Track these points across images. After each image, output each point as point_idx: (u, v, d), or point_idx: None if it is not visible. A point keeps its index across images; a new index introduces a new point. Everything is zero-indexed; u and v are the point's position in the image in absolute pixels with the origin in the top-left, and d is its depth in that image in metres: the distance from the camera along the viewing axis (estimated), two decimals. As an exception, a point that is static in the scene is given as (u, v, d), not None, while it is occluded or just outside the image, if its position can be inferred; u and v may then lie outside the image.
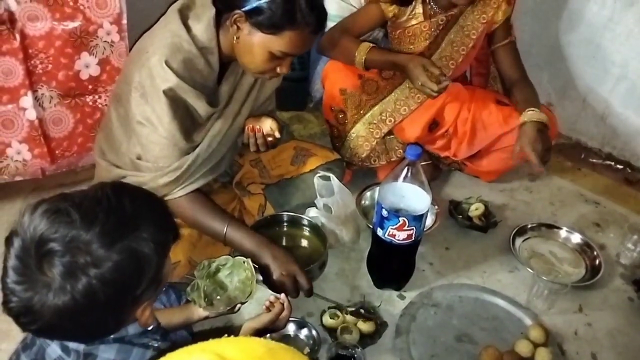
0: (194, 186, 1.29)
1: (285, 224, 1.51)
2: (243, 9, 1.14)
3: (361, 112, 1.71)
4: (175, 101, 1.20)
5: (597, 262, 1.56)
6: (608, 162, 2.09)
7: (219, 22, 1.21)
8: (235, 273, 1.15)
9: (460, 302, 1.42)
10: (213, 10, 1.20)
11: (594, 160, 2.10)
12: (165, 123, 1.20)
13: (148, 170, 1.26)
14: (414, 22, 1.70)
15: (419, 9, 1.69)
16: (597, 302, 1.47)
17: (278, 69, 1.24)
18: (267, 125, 1.36)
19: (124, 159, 1.31)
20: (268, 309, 1.12)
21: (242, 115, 1.36)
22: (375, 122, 1.71)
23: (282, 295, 1.14)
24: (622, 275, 1.56)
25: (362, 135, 1.72)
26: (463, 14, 1.68)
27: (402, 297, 1.43)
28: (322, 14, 1.20)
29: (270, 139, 1.36)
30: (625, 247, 1.60)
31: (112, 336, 0.80)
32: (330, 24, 1.96)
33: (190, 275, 1.20)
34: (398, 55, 1.65)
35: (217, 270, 1.16)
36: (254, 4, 1.13)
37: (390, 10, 1.69)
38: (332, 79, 1.74)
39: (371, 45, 1.65)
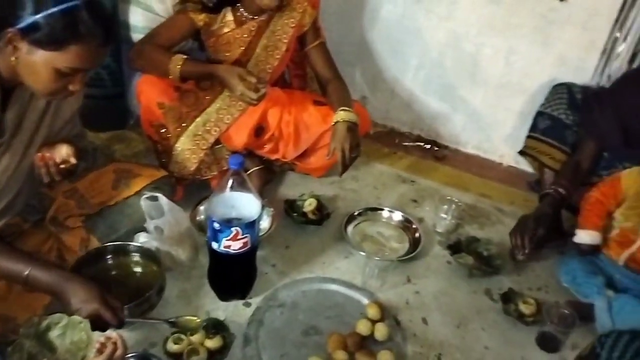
0: None
1: (111, 255, 1.41)
2: (17, 27, 1.02)
3: (183, 124, 1.67)
4: None
5: (417, 234, 1.74)
6: (418, 143, 2.34)
7: None
8: (69, 334, 1.04)
9: (304, 296, 1.48)
10: None
11: (406, 143, 2.34)
12: None
13: None
14: (226, 29, 1.71)
15: (230, 16, 1.70)
16: (421, 271, 1.64)
17: (70, 87, 1.12)
18: (61, 152, 1.24)
19: None
20: (100, 352, 1.04)
21: (34, 145, 1.23)
22: (200, 133, 1.69)
23: (114, 334, 1.07)
24: (440, 242, 1.76)
25: (188, 147, 1.68)
26: (273, 19, 1.74)
27: (247, 305, 1.44)
28: (109, 23, 1.12)
29: (62, 166, 1.24)
30: (439, 217, 1.80)
31: None
32: (137, 35, 1.89)
33: (5, 333, 1.07)
34: (213, 65, 1.64)
35: (48, 328, 1.04)
36: (29, 21, 1.01)
37: (201, 19, 1.68)
38: (148, 93, 1.67)
39: (185, 56, 1.62)
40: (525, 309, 1.47)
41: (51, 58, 1.05)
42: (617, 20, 1.82)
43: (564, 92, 1.79)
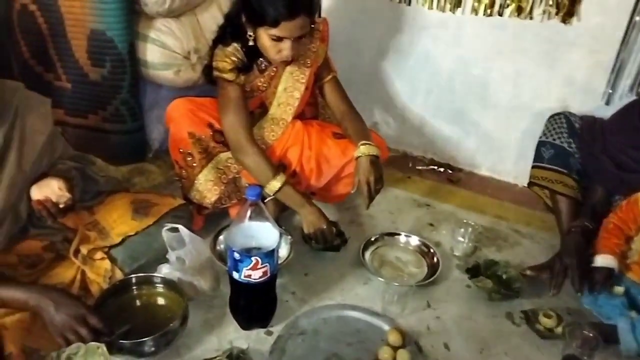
0: None
1: (136, 287, 1.44)
2: None
3: (208, 156, 1.72)
4: None
5: (435, 259, 1.74)
6: (432, 167, 2.36)
7: None
8: None
9: (325, 323, 1.49)
10: None
11: (420, 167, 2.36)
12: None
13: None
14: (251, 77, 1.75)
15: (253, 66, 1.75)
16: (441, 295, 1.63)
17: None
18: (54, 189, 1.29)
19: None
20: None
21: (2, 184, 1.27)
22: (221, 167, 1.73)
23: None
24: (458, 266, 1.76)
25: (210, 179, 1.73)
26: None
27: (269, 333, 1.45)
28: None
29: (61, 205, 1.30)
30: (456, 240, 1.81)
31: None
32: (155, 72, 1.96)
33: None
34: (305, 203, 1.67)
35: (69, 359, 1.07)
36: None
37: (240, 80, 1.69)
38: (180, 122, 1.70)
39: (284, 180, 1.65)
40: (548, 322, 1.49)
41: None
42: (623, 41, 1.85)
43: (562, 121, 1.82)
